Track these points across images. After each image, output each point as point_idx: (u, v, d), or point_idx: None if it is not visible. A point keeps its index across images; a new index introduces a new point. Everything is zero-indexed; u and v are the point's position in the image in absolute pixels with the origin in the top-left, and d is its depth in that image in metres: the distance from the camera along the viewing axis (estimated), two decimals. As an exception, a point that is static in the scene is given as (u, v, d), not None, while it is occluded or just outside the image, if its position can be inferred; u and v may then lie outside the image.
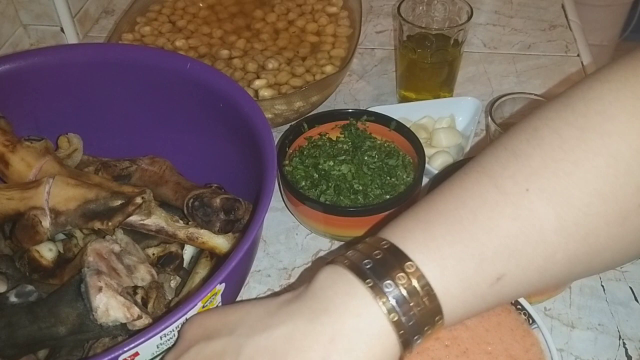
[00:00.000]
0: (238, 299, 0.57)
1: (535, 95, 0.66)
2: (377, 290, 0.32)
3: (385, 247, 0.33)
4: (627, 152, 0.32)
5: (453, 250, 0.33)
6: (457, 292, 0.33)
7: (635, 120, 0.32)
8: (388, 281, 0.32)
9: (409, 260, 0.32)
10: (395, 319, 0.32)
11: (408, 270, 0.32)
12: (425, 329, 0.32)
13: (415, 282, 0.32)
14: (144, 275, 0.49)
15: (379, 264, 0.33)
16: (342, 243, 0.62)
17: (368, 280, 0.32)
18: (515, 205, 0.32)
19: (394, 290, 0.32)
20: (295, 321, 0.33)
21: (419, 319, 0.32)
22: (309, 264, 0.60)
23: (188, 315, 0.39)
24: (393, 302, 0.32)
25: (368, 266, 0.33)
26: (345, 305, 0.32)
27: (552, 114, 0.34)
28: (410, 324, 0.32)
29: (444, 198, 0.35)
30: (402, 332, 0.32)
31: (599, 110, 0.33)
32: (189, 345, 0.35)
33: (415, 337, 0.32)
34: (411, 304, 0.32)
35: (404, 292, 0.32)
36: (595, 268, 0.35)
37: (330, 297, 0.33)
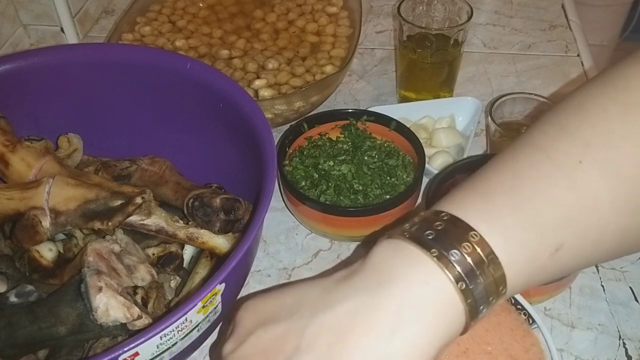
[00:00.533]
0: (238, 299, 0.57)
1: (536, 95, 0.66)
2: (444, 259, 0.31)
3: (446, 218, 0.33)
4: None
5: (515, 219, 0.32)
6: (520, 261, 0.32)
7: None
8: (454, 250, 0.31)
9: (473, 230, 0.32)
10: (463, 287, 0.31)
11: (472, 240, 0.32)
12: (491, 298, 0.32)
13: (480, 252, 0.31)
14: (144, 275, 0.49)
15: (441, 234, 0.32)
16: (341, 243, 0.62)
17: (433, 250, 0.32)
18: (570, 176, 0.33)
19: (461, 259, 0.31)
20: (358, 295, 0.32)
21: (485, 287, 0.32)
22: (309, 264, 0.60)
23: (188, 315, 0.39)
24: (460, 270, 0.31)
25: (430, 237, 0.32)
26: (411, 274, 0.32)
27: (594, 90, 0.35)
28: (477, 292, 0.31)
29: (499, 171, 0.35)
30: (469, 300, 0.31)
31: (639, 86, 0.33)
32: (247, 334, 0.34)
33: (482, 307, 0.32)
34: (478, 273, 0.31)
35: (470, 261, 0.31)
36: None
37: (394, 268, 0.32)
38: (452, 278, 0.31)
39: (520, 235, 0.32)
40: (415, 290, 0.31)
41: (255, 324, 0.34)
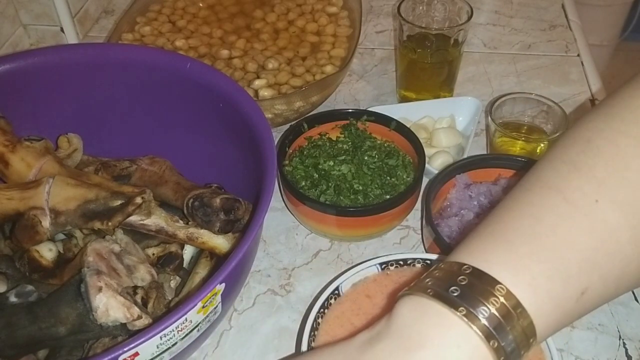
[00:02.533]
0: (238, 299, 0.57)
1: (536, 95, 0.66)
2: (472, 318, 0.30)
3: (468, 271, 0.32)
4: None
5: (541, 268, 0.31)
6: (549, 311, 0.32)
7: None
8: (482, 307, 0.30)
9: (499, 283, 0.31)
10: (496, 345, 0.30)
11: (499, 294, 0.30)
12: (522, 352, 0.31)
13: (509, 306, 0.30)
14: (144, 275, 0.49)
15: (467, 290, 0.31)
16: (341, 243, 0.62)
17: (461, 309, 0.30)
18: (589, 217, 0.32)
19: (490, 315, 0.30)
20: None
21: (516, 342, 0.31)
22: (309, 264, 0.60)
23: (188, 315, 0.39)
24: (491, 328, 0.30)
25: (455, 294, 0.31)
26: (442, 337, 0.30)
27: (601, 124, 0.34)
28: (509, 349, 0.30)
29: (515, 216, 0.34)
30: (502, 358, 0.30)
31: None
32: None
33: None
34: (508, 329, 0.30)
35: (500, 317, 0.30)
36: None
37: (422, 331, 0.31)
38: (483, 337, 0.30)
39: (546, 285, 0.31)
40: (448, 355, 0.30)
41: None
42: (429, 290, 0.32)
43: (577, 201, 0.32)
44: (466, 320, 0.30)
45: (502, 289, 0.31)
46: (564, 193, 0.33)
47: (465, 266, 0.32)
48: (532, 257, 0.32)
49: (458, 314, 0.30)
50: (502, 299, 0.30)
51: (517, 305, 0.31)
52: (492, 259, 0.32)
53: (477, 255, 0.33)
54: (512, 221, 0.34)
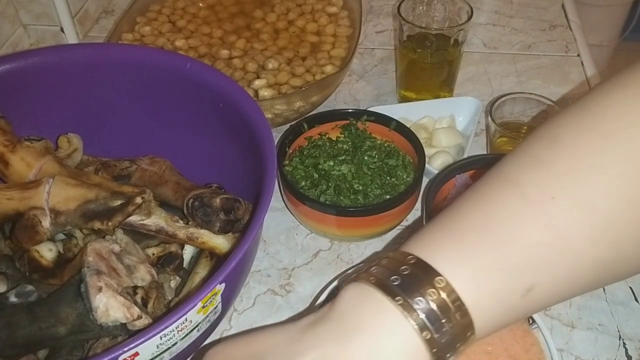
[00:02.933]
0: (238, 299, 0.57)
1: (536, 95, 0.66)
2: (408, 308, 0.31)
3: (412, 261, 0.32)
4: None
5: (483, 262, 0.32)
6: (489, 305, 0.32)
7: None
8: (418, 297, 0.31)
9: (439, 274, 0.31)
10: (428, 336, 0.31)
11: (438, 285, 0.31)
12: (458, 345, 0.32)
13: (446, 298, 0.31)
14: (144, 275, 0.49)
15: (407, 279, 0.31)
16: (341, 243, 0.62)
17: (398, 298, 0.31)
18: (543, 213, 0.32)
19: (425, 306, 0.31)
20: (326, 344, 0.31)
21: (451, 335, 0.31)
22: (309, 264, 0.60)
23: (188, 315, 0.39)
24: (425, 319, 0.31)
25: (396, 283, 0.31)
26: (378, 324, 0.31)
27: (571, 119, 0.34)
28: (443, 341, 0.31)
29: (470, 208, 0.34)
30: (435, 350, 0.31)
31: (618, 115, 0.32)
32: None
33: (448, 355, 0.32)
34: (443, 321, 0.31)
35: (436, 309, 0.31)
36: (623, 274, 0.34)
37: (360, 317, 0.32)
38: (416, 328, 0.30)
39: (489, 279, 0.32)
40: (383, 341, 0.31)
41: None
42: (371, 278, 0.32)
43: (533, 196, 0.32)
44: (402, 309, 0.31)
45: (442, 280, 0.31)
46: (522, 188, 0.33)
47: (410, 256, 0.33)
48: (477, 251, 0.32)
49: (395, 302, 0.31)
50: (440, 291, 0.31)
51: (456, 298, 0.31)
52: (438, 250, 0.33)
53: (425, 245, 0.33)
54: (467, 213, 0.34)
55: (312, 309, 0.50)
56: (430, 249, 0.33)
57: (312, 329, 0.33)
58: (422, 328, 0.31)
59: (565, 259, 0.32)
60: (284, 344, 0.33)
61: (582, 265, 0.32)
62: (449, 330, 0.31)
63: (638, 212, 0.32)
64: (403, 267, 0.32)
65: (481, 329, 0.32)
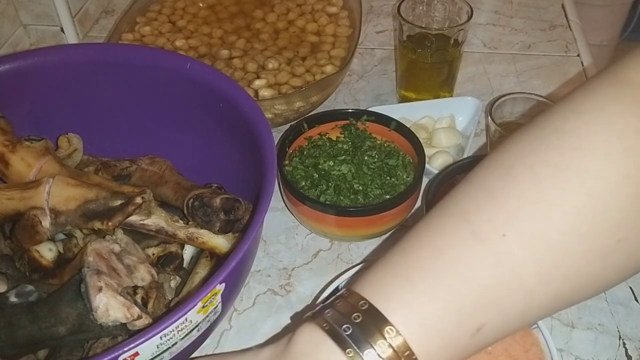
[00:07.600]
0: (238, 299, 0.57)
1: (536, 95, 0.66)
2: None
3: (364, 308, 0.33)
4: (604, 190, 0.31)
5: (434, 307, 0.32)
6: (439, 349, 0.32)
7: (610, 156, 0.31)
8: (368, 349, 0.31)
9: (389, 324, 0.32)
10: None
11: (388, 336, 0.31)
12: None
13: (396, 349, 0.31)
14: (144, 275, 0.49)
15: (358, 329, 0.32)
16: (341, 243, 0.62)
17: (348, 350, 0.32)
18: (493, 252, 0.32)
19: (375, 359, 0.31)
20: None
21: None
22: (309, 264, 0.60)
23: (188, 315, 0.39)
24: None
25: (347, 332, 0.32)
26: None
27: (526, 148, 0.34)
28: None
29: (422, 246, 0.34)
30: None
31: (574, 145, 0.32)
32: None
33: None
34: None
35: None
36: (579, 301, 0.35)
37: None
38: None
39: (438, 324, 0.32)
40: None
41: None
42: (324, 325, 0.33)
43: (484, 234, 0.32)
44: None
45: (392, 330, 0.32)
46: (473, 225, 0.33)
47: (363, 301, 0.33)
48: (427, 295, 0.32)
49: (346, 355, 0.32)
50: (390, 341, 0.31)
51: (405, 348, 0.31)
52: (389, 294, 0.33)
53: (377, 289, 0.34)
54: (418, 251, 0.34)
55: (308, 308, 0.50)
56: (382, 293, 0.33)
57: None
58: None
59: (516, 296, 0.32)
60: None
61: (534, 301, 0.32)
62: None
63: (590, 246, 0.31)
64: (355, 315, 0.33)
65: None
